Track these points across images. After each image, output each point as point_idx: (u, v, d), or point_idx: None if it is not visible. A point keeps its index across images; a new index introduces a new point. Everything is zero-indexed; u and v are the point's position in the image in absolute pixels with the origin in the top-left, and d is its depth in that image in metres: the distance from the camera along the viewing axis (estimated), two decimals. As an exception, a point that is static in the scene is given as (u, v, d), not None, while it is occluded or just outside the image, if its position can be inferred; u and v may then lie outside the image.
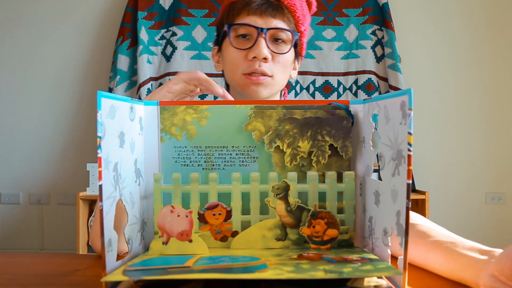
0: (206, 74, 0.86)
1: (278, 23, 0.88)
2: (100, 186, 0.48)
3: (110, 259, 0.50)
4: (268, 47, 0.87)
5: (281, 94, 1.00)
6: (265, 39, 0.87)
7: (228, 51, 0.91)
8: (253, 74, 0.88)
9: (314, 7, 1.00)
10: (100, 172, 0.48)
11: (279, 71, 0.90)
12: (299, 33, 0.93)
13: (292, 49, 0.92)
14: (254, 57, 0.87)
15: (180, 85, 0.77)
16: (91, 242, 0.79)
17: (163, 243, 0.58)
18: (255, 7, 0.87)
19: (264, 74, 0.88)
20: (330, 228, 0.61)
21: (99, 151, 0.48)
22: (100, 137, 0.48)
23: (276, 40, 0.89)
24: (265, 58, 0.87)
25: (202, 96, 2.06)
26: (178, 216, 0.57)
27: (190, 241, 0.57)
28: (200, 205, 0.63)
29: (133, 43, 2.25)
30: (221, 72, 0.99)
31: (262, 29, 0.86)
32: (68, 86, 2.40)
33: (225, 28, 0.90)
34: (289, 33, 0.89)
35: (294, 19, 0.91)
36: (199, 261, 0.52)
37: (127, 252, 0.57)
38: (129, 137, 0.59)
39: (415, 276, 0.57)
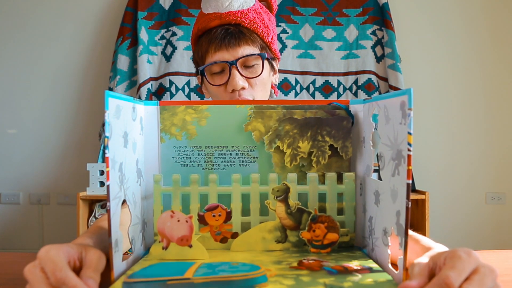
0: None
1: (244, 50, 0.91)
2: (108, 187, 0.47)
3: (117, 260, 0.50)
4: (242, 75, 0.91)
5: (270, 95, 1.03)
6: (237, 69, 0.90)
7: (209, 87, 0.95)
8: None
9: (275, 6, 1.01)
10: (107, 172, 0.48)
11: (259, 92, 0.94)
12: (267, 44, 0.96)
13: (266, 63, 0.95)
14: (233, 90, 0.91)
15: None
16: None
17: (163, 248, 0.57)
18: (218, 43, 0.90)
19: None
20: (330, 232, 0.61)
21: (107, 151, 0.48)
22: (107, 137, 0.48)
23: (247, 66, 0.92)
24: (242, 88, 0.91)
25: (202, 96, 2.06)
26: (178, 221, 0.57)
27: (190, 246, 0.57)
28: (200, 206, 0.63)
29: (133, 43, 2.24)
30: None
31: (231, 62, 0.90)
32: (68, 86, 2.40)
33: (200, 69, 0.94)
34: (258, 56, 0.92)
35: (258, 35, 0.93)
36: (199, 270, 0.52)
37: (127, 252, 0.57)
38: (132, 137, 0.59)
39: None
